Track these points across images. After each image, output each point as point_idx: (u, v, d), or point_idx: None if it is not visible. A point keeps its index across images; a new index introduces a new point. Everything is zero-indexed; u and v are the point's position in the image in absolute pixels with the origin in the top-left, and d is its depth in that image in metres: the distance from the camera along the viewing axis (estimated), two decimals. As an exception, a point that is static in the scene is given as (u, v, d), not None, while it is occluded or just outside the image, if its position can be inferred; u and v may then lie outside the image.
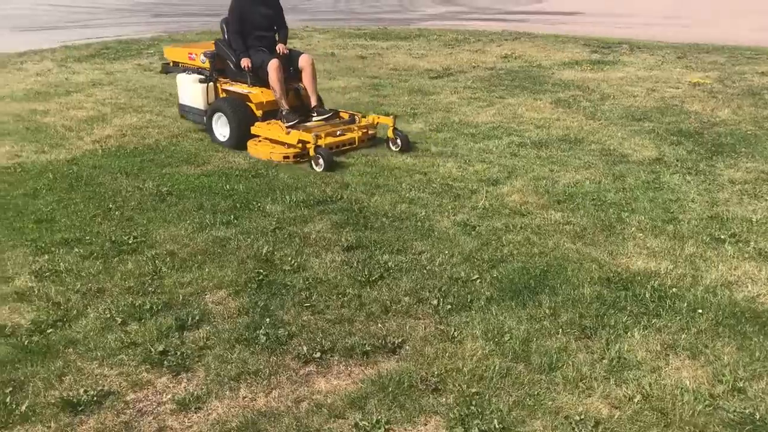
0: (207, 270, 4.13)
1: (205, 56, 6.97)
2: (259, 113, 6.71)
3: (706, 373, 3.09)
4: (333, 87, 9.52)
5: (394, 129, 6.51)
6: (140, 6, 21.88)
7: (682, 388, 2.98)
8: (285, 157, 6.23)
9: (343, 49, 12.95)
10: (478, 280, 3.96)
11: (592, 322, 3.51)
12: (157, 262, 4.24)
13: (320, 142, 6.10)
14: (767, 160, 6.15)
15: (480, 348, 3.30)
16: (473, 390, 3.01)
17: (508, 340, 3.36)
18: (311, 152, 6.04)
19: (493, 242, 4.46)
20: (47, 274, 4.11)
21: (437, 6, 22.29)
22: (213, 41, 7.25)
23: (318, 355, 3.28)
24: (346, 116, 6.87)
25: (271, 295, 3.83)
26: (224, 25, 6.92)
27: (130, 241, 4.52)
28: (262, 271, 4.09)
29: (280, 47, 6.77)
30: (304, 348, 3.33)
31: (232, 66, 6.87)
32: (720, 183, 5.56)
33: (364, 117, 6.83)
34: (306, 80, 6.75)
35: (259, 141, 6.53)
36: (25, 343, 3.38)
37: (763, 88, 9.16)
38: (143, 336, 3.45)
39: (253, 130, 6.58)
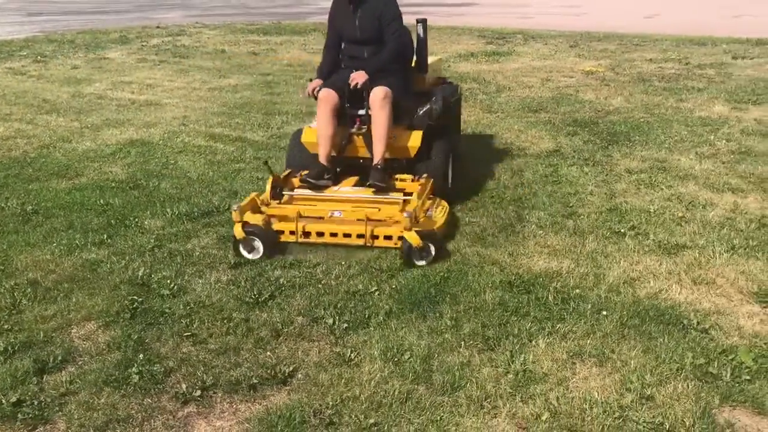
0: (74, 300, 3.68)
1: None
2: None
3: (613, 382, 2.94)
4: (223, 86, 9.05)
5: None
6: (13, 3, 20.41)
7: (590, 401, 2.81)
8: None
9: (234, 45, 12.44)
10: (377, 293, 3.70)
11: (495, 332, 3.31)
12: (16, 294, 3.74)
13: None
14: (660, 147, 6.20)
15: (378, 370, 3.04)
16: (371, 420, 2.73)
17: (408, 358, 3.11)
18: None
19: (392, 249, 4.21)
20: None
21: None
22: None
23: (198, 393, 2.92)
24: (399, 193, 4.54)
25: (146, 326, 3.43)
26: None
27: (-15, 272, 4.00)
28: (137, 297, 3.67)
29: (354, 76, 4.61)
30: (183, 386, 2.96)
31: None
32: (617, 173, 5.53)
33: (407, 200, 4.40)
34: (373, 124, 4.64)
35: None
36: None
37: (651, 74, 9.36)
38: (-6, 385, 2.99)
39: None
